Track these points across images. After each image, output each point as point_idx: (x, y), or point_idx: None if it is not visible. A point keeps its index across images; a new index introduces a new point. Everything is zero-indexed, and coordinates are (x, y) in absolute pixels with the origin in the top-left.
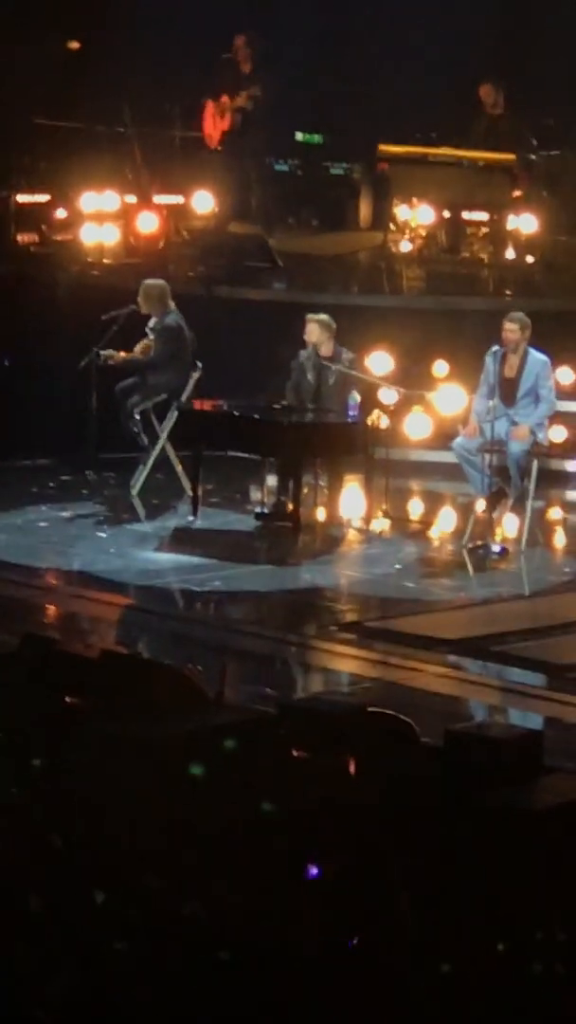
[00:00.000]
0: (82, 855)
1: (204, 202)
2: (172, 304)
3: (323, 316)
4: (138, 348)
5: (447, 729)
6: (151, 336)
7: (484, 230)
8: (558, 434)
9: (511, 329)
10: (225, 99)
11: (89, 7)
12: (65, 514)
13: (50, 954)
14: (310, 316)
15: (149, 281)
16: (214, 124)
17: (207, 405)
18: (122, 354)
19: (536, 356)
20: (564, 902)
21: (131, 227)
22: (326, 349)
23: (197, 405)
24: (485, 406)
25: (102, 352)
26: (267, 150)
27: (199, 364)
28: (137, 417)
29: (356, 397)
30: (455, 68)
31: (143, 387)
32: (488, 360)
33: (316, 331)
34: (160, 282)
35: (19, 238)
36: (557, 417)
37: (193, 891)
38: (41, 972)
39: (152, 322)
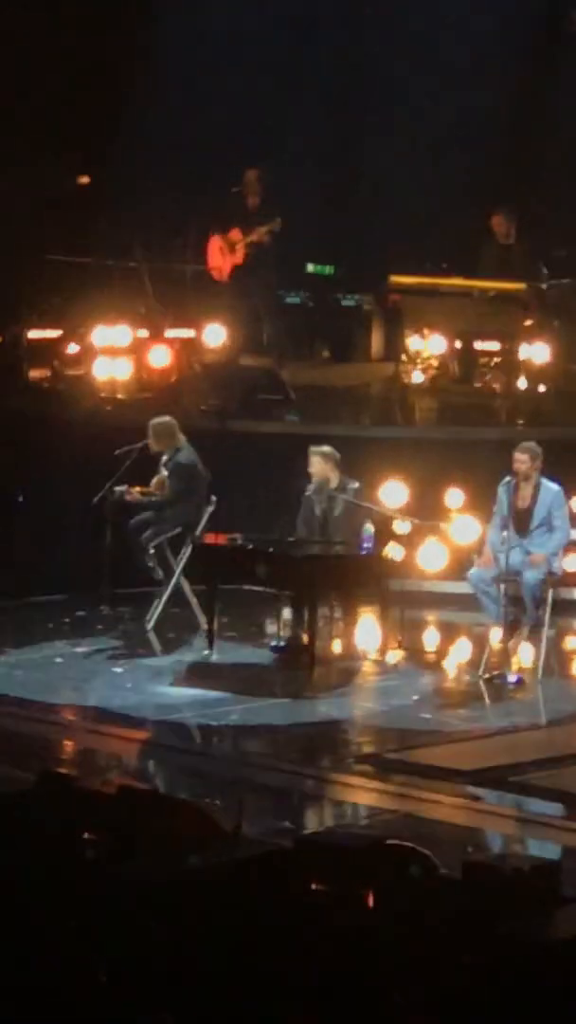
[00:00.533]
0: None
1: (216, 335)
2: (183, 439)
3: (325, 448)
4: (153, 483)
5: (465, 860)
6: (164, 472)
7: (496, 360)
8: (574, 564)
9: (521, 460)
10: (235, 232)
11: (99, 142)
12: (80, 649)
13: None
14: (312, 449)
15: (157, 420)
16: (222, 257)
17: (221, 539)
18: (137, 490)
19: (549, 486)
20: None
21: (143, 361)
22: (332, 480)
23: (211, 539)
24: (499, 536)
25: (117, 488)
26: (278, 282)
27: (213, 498)
28: (152, 551)
29: (370, 528)
30: (465, 198)
31: (157, 522)
32: (501, 491)
33: (318, 463)
34: (168, 419)
35: (31, 374)
36: (572, 547)
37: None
38: None
39: (164, 458)
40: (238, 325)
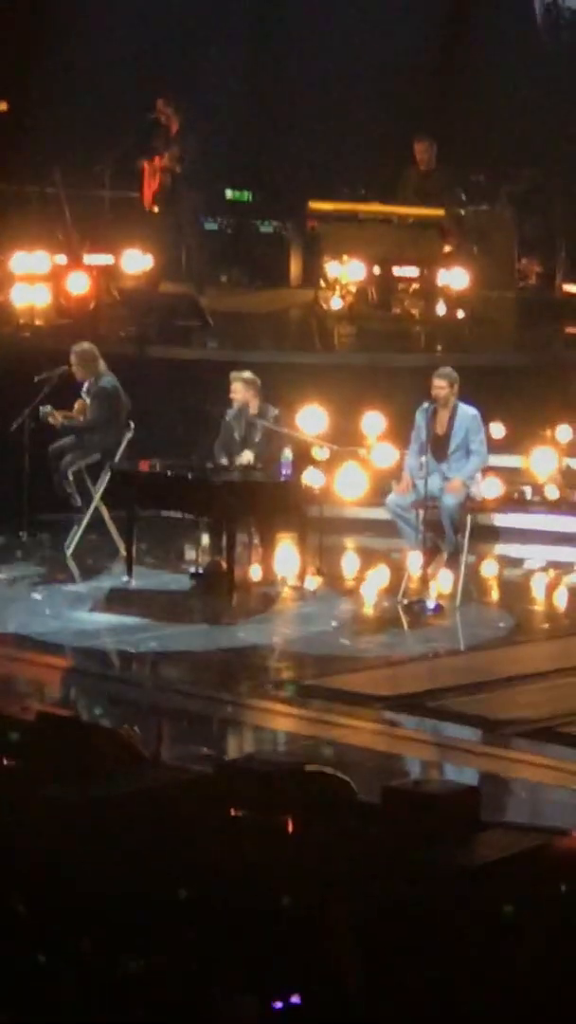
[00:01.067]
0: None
1: (134, 262)
2: (104, 366)
3: (247, 373)
4: (76, 408)
5: (384, 786)
6: (86, 398)
7: (415, 286)
8: (491, 488)
9: (440, 385)
10: (158, 159)
11: (18, 68)
12: None
13: None
14: (234, 374)
15: (78, 346)
16: (148, 183)
17: (140, 465)
18: (60, 414)
19: (466, 410)
20: (499, 958)
21: (62, 288)
22: (252, 407)
23: (129, 465)
24: (417, 462)
25: (42, 408)
26: (197, 209)
27: (131, 424)
28: (70, 478)
29: (288, 455)
30: (384, 125)
31: (77, 447)
32: (419, 416)
33: (240, 389)
34: (89, 345)
35: None
36: (489, 471)
37: (131, 952)
38: None
39: (86, 385)
40: (160, 251)
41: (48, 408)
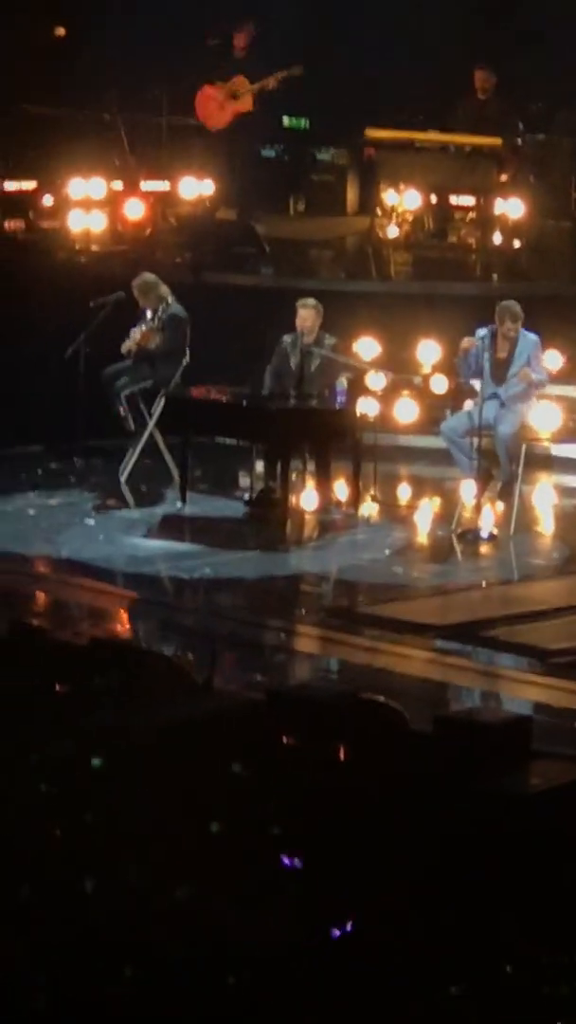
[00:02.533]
0: (74, 843)
1: (191, 188)
2: (168, 291)
3: (314, 301)
4: (139, 336)
5: (436, 715)
6: (146, 326)
7: (471, 215)
8: (548, 418)
9: (512, 328)
10: (241, 81)
11: None
12: (53, 501)
13: (40, 945)
14: (303, 302)
15: (140, 277)
16: (220, 107)
17: (195, 392)
18: (136, 339)
19: (528, 336)
20: (553, 886)
21: (118, 214)
22: (311, 335)
23: (184, 392)
24: (469, 384)
25: (125, 342)
26: (255, 135)
27: (187, 351)
28: (124, 401)
29: (344, 383)
30: (441, 52)
31: (138, 371)
32: (477, 342)
33: (311, 317)
34: (150, 276)
35: (6, 225)
36: (546, 400)
37: (180, 880)
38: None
39: (149, 313)
40: (219, 178)
41: (129, 343)
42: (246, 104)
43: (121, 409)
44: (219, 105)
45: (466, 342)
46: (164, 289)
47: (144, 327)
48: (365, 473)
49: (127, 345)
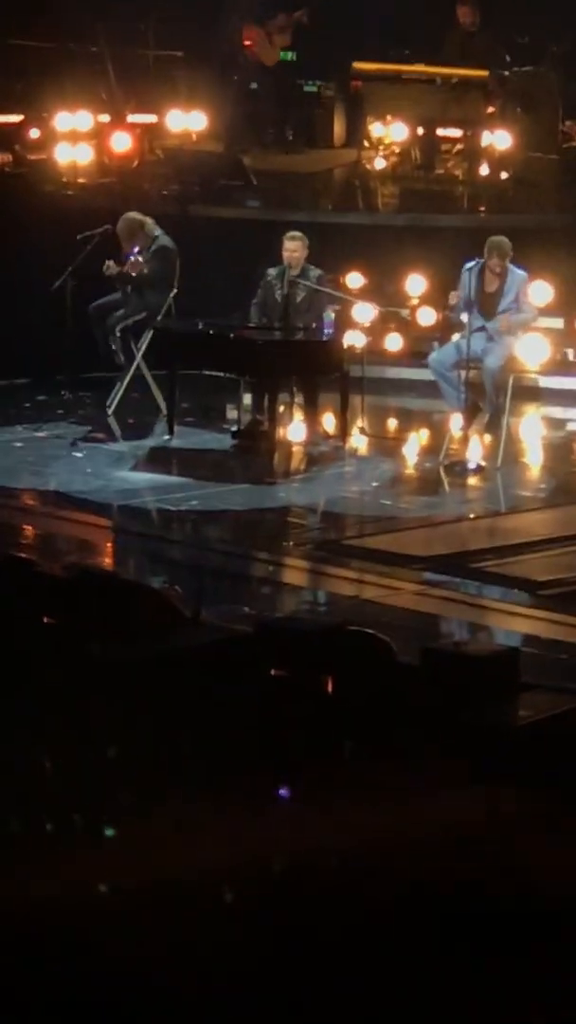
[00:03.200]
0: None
1: (177, 121)
2: (157, 228)
3: (300, 234)
4: (127, 266)
5: (425, 647)
6: (136, 258)
7: (458, 147)
8: (535, 350)
9: (498, 264)
10: (283, 17)
11: None
12: (41, 434)
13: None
14: (290, 234)
15: (123, 219)
16: (271, 42)
17: (182, 324)
18: (116, 266)
19: (517, 271)
20: (541, 818)
21: (105, 146)
22: (297, 267)
23: (171, 324)
24: (460, 319)
25: (106, 264)
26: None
27: (175, 283)
28: (118, 334)
29: (331, 315)
30: None
31: (124, 305)
32: (465, 275)
33: (300, 248)
34: (132, 216)
35: None
36: (533, 331)
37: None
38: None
39: (137, 248)
40: (211, 110)
41: (110, 263)
42: (286, 39)
43: (112, 343)
44: (269, 41)
45: (453, 297)
46: (149, 225)
47: (130, 260)
48: (352, 405)
49: (110, 267)
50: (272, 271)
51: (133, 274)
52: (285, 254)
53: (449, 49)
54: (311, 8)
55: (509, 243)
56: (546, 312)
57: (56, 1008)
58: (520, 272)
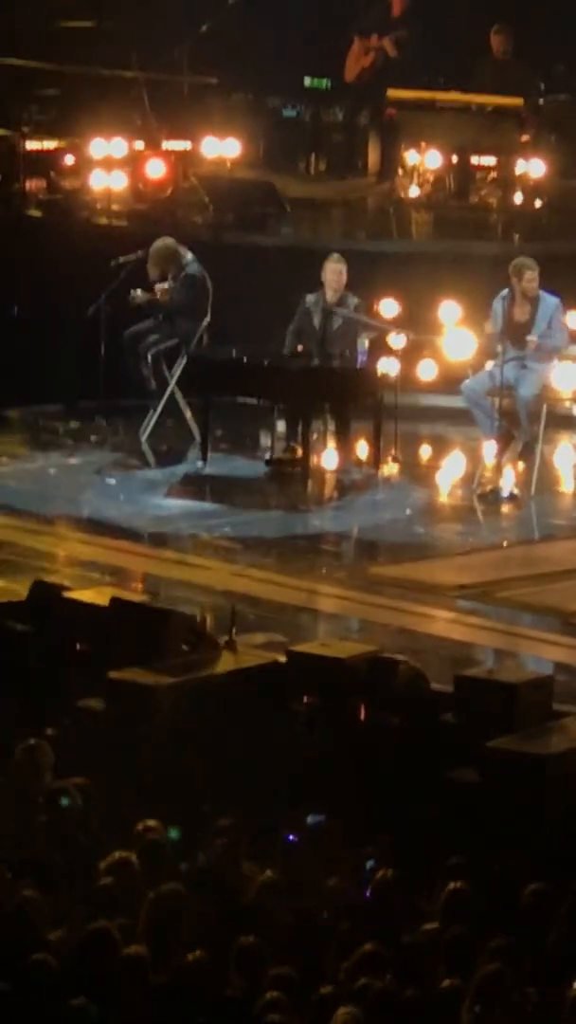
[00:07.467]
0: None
1: (213, 148)
2: (189, 255)
3: (339, 256)
4: (158, 293)
5: (457, 675)
6: (170, 284)
7: (492, 175)
8: (568, 378)
9: (532, 278)
10: (375, 37)
11: None
12: (75, 461)
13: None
14: (334, 256)
15: (154, 245)
16: (357, 59)
17: (216, 351)
18: (147, 295)
19: (548, 298)
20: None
21: (139, 173)
22: (333, 294)
23: (206, 351)
24: (494, 350)
25: (132, 292)
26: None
27: (208, 310)
28: (150, 361)
29: (365, 343)
30: (464, 12)
31: (156, 331)
32: (496, 304)
33: (340, 272)
34: (163, 243)
35: (27, 185)
36: (568, 360)
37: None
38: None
39: (170, 276)
40: (245, 137)
41: (137, 291)
42: (370, 58)
43: (144, 369)
44: (356, 58)
45: (488, 327)
46: (182, 252)
47: (160, 286)
48: (386, 433)
49: (136, 296)
50: (310, 297)
51: (164, 301)
52: (330, 276)
53: (482, 77)
54: (401, 37)
55: (531, 259)
56: None
57: None
58: (552, 298)
